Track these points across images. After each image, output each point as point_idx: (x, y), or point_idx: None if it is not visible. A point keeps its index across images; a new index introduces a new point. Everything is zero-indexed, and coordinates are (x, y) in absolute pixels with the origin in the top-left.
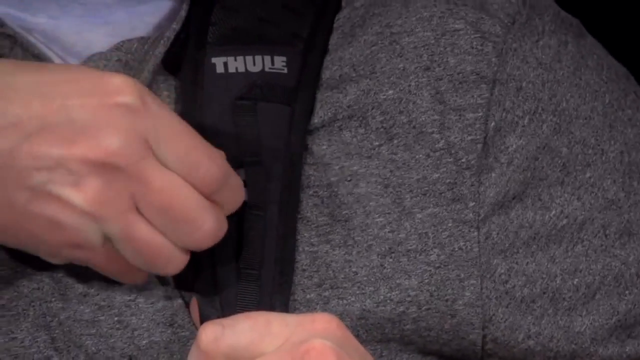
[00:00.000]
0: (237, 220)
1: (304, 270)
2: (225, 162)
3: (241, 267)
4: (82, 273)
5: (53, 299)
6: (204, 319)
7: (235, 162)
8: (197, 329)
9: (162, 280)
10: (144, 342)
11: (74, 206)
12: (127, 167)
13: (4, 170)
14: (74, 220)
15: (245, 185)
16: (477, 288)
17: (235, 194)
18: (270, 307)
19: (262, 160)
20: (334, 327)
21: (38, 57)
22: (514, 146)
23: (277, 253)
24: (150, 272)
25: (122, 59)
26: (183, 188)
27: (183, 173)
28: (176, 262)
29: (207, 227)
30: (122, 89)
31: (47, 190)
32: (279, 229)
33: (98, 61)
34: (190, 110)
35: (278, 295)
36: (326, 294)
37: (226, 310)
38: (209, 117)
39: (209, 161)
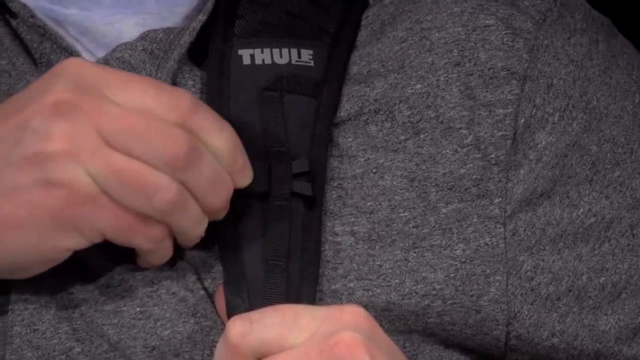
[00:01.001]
0: (263, 211)
1: (328, 261)
2: (188, 95)
3: (267, 258)
4: (105, 265)
5: (75, 291)
6: (230, 309)
7: (262, 152)
8: (222, 319)
9: (185, 270)
10: (167, 332)
11: (53, 156)
12: (83, 103)
13: None
14: (59, 170)
15: (270, 174)
16: (503, 284)
17: (208, 122)
18: (298, 299)
19: (288, 151)
20: (362, 318)
21: (66, 49)
22: (544, 143)
23: (303, 244)
24: (147, 208)
25: (147, 48)
26: (142, 111)
27: (139, 105)
28: (165, 187)
29: (177, 139)
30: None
31: (25, 156)
32: (304, 219)
33: (124, 51)
34: (216, 101)
35: (305, 287)
36: (351, 285)
37: (253, 301)
38: (235, 107)
39: (166, 93)
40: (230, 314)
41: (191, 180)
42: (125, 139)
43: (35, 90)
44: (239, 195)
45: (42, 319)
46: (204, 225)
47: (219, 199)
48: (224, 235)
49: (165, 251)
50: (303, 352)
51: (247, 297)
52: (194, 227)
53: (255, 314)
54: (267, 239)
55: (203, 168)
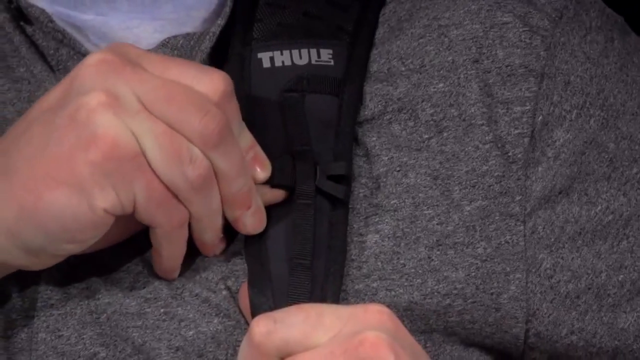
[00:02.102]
0: (288, 209)
1: (352, 260)
2: (227, 78)
3: (292, 257)
4: (129, 268)
5: (100, 296)
6: (254, 308)
7: (285, 152)
8: (245, 317)
9: (207, 270)
10: (191, 332)
11: (96, 108)
12: (124, 67)
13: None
14: (102, 121)
15: (294, 173)
16: (522, 282)
17: (237, 110)
18: (322, 298)
19: (312, 150)
20: (386, 318)
21: (85, 55)
22: (561, 140)
23: (329, 242)
24: (179, 178)
25: (168, 55)
26: (179, 83)
27: (178, 80)
28: (198, 160)
29: (213, 116)
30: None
31: (69, 115)
32: (331, 217)
33: None
34: (241, 108)
35: (330, 285)
36: (374, 285)
37: (277, 299)
38: (257, 110)
39: (205, 73)
40: (254, 313)
41: (220, 161)
42: (163, 107)
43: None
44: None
45: (67, 325)
46: (219, 221)
47: (240, 187)
48: (249, 235)
49: (178, 246)
50: (327, 352)
51: (271, 295)
52: (212, 216)
53: (279, 313)
54: (292, 237)
55: (232, 151)
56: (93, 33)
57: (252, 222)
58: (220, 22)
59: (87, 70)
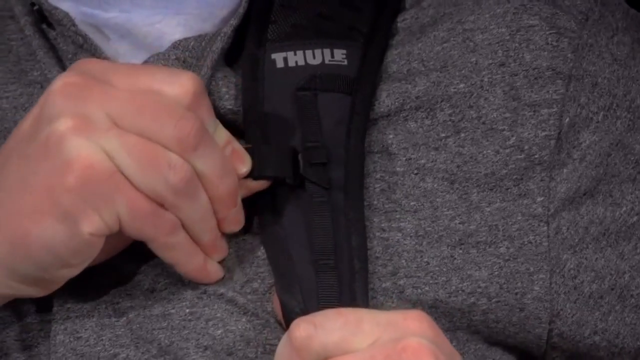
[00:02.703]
0: (303, 208)
1: (377, 257)
2: (196, 79)
3: (316, 258)
4: (147, 270)
5: (120, 300)
6: (286, 310)
7: (297, 149)
8: (277, 318)
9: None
10: (219, 331)
11: (66, 134)
12: (91, 87)
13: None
14: (74, 147)
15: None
16: (546, 282)
17: (210, 110)
18: (352, 298)
19: (324, 147)
20: (426, 325)
21: (105, 60)
22: (588, 142)
23: (349, 239)
24: (161, 186)
25: (180, 57)
26: (148, 92)
27: (147, 88)
28: (178, 165)
29: (187, 119)
30: None
31: (40, 143)
32: (346, 214)
33: (157, 61)
34: (252, 104)
35: (357, 284)
36: (401, 282)
37: (307, 302)
38: (271, 109)
39: (174, 76)
40: (287, 316)
41: (201, 164)
42: (135, 119)
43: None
44: (277, 195)
45: (85, 327)
46: (213, 220)
47: (227, 186)
48: (268, 235)
49: (183, 251)
50: (368, 356)
51: (301, 298)
52: (204, 218)
53: (319, 318)
54: (312, 237)
55: (211, 151)
56: (116, 31)
57: (235, 220)
58: (233, 22)
59: (54, 96)
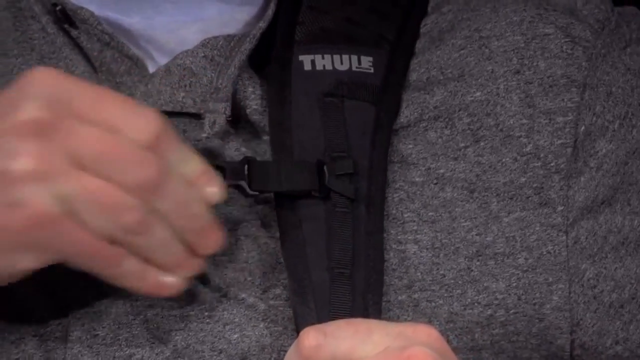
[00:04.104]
0: (325, 217)
1: (394, 270)
2: (158, 118)
3: (333, 266)
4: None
5: (140, 297)
6: (298, 317)
7: (323, 157)
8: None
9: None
10: (235, 336)
11: (19, 175)
12: (53, 124)
13: None
14: (24, 191)
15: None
16: (565, 292)
17: (176, 148)
18: (364, 308)
19: (350, 157)
20: (434, 338)
21: (131, 58)
22: (604, 150)
23: (367, 251)
24: (112, 228)
25: (208, 55)
26: (113, 134)
27: (109, 127)
28: (133, 208)
29: (147, 163)
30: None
31: None
32: (366, 225)
33: (185, 58)
34: (278, 106)
35: (370, 295)
36: (415, 296)
37: (320, 310)
38: (297, 113)
39: (136, 115)
40: (298, 323)
41: (160, 203)
42: (95, 161)
43: (5, 105)
44: (300, 201)
45: (102, 324)
46: (174, 246)
47: (190, 219)
48: (287, 240)
49: (135, 273)
50: None
51: (314, 305)
52: (161, 247)
53: (329, 327)
54: (331, 246)
55: (172, 191)
56: (138, 37)
57: (208, 244)
58: (262, 25)
59: (14, 130)
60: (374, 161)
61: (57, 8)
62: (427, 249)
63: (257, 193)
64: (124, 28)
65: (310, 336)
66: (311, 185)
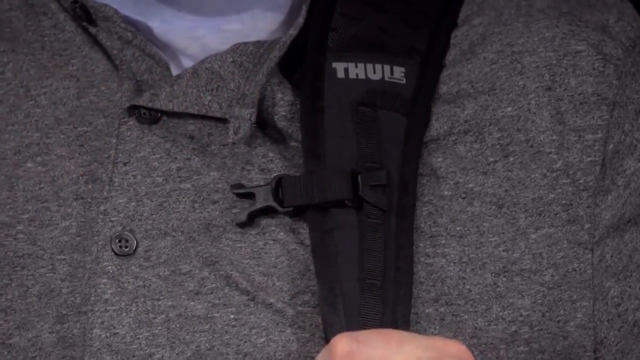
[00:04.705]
0: (358, 227)
1: (421, 282)
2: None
3: (364, 277)
4: (191, 272)
5: (161, 297)
6: (327, 325)
7: (356, 167)
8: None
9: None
10: (261, 340)
11: None
12: None
13: None
14: None
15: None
16: (590, 310)
17: None
18: (393, 320)
19: (383, 168)
20: (464, 353)
21: (153, 57)
22: (632, 169)
23: (397, 263)
24: None
25: (237, 60)
26: None
27: None
28: None
29: None
30: None
31: None
32: (396, 238)
33: (213, 62)
34: (311, 113)
35: (400, 307)
36: (442, 309)
37: (349, 319)
38: (330, 121)
39: None
40: (327, 331)
41: None
42: None
43: None
44: (332, 209)
45: (122, 323)
46: None
47: None
48: (319, 249)
49: None
50: None
51: (343, 315)
52: None
53: (362, 335)
54: (363, 256)
55: None
56: (159, 40)
57: None
58: (293, 32)
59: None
60: (405, 173)
61: (77, 5)
62: (454, 263)
63: (290, 209)
64: (143, 31)
65: (344, 342)
66: (345, 195)
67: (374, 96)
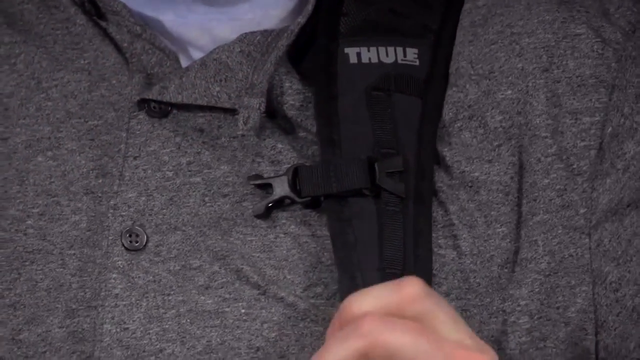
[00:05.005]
0: (377, 215)
1: (434, 275)
2: None
3: (384, 267)
4: (202, 267)
5: (172, 292)
6: None
7: (371, 153)
8: None
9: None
10: (274, 334)
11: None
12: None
13: None
14: None
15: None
16: (589, 294)
17: None
18: None
19: (400, 154)
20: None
21: (163, 50)
22: (632, 152)
23: (416, 251)
24: None
25: (244, 50)
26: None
27: None
28: None
29: None
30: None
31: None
32: (415, 224)
33: (221, 53)
34: (324, 100)
35: None
36: (452, 304)
37: None
38: (344, 107)
39: None
40: None
41: None
42: None
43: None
44: (350, 199)
45: (133, 318)
46: None
47: None
48: (338, 242)
49: None
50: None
51: None
52: None
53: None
54: (383, 245)
55: None
56: (171, 33)
57: None
58: (301, 20)
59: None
60: (421, 158)
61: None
62: (465, 255)
63: (308, 198)
64: (156, 26)
65: (415, 283)
66: (363, 184)
67: (388, 80)
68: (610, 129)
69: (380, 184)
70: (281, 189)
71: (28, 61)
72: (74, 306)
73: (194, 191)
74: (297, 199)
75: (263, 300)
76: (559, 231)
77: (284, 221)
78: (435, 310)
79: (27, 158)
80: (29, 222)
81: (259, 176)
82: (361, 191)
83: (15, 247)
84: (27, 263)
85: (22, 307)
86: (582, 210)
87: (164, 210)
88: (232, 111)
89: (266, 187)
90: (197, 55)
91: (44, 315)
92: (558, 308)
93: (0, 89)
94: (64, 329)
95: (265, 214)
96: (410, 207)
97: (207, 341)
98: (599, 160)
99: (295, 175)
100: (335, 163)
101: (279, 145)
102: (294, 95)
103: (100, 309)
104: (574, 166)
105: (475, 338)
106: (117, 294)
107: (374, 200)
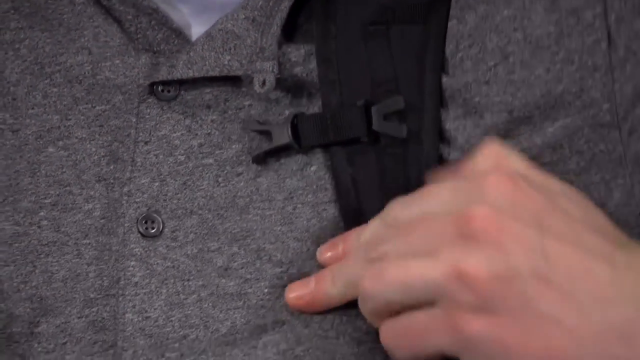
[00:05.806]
0: (377, 159)
1: None
2: None
3: None
4: (221, 249)
5: (191, 277)
6: None
7: (369, 94)
8: None
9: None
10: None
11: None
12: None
13: None
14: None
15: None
16: (627, 187)
17: None
18: None
19: (397, 90)
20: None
21: (170, 26)
22: None
23: None
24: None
25: (249, 16)
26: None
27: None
28: None
29: None
30: None
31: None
32: (418, 165)
33: (226, 22)
34: (323, 42)
35: None
36: None
37: None
38: (342, 47)
39: None
40: None
41: None
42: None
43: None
44: (350, 148)
45: (154, 306)
46: None
47: None
48: (341, 192)
49: None
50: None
51: None
52: None
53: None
54: (385, 191)
55: None
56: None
57: None
58: None
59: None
60: (424, 91)
61: None
62: None
63: (308, 147)
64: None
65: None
66: (360, 132)
67: (386, 11)
68: (614, 16)
69: (376, 129)
70: (281, 136)
71: (32, 46)
72: (92, 295)
73: (207, 173)
74: (295, 146)
75: (286, 278)
76: (585, 131)
77: (299, 191)
78: None
79: (38, 149)
80: (42, 213)
81: (259, 123)
82: (360, 139)
83: (30, 241)
84: (42, 256)
85: (38, 299)
86: (605, 106)
87: (179, 195)
88: (239, 81)
89: (268, 135)
90: (207, 17)
91: (61, 306)
92: (595, 204)
93: (7, 77)
94: (83, 318)
95: (263, 159)
96: (414, 148)
97: (231, 323)
98: (613, 50)
99: (297, 125)
100: (332, 111)
101: (286, 112)
102: (299, 56)
103: (120, 298)
104: (589, 63)
105: None
106: (136, 282)
107: (373, 146)
